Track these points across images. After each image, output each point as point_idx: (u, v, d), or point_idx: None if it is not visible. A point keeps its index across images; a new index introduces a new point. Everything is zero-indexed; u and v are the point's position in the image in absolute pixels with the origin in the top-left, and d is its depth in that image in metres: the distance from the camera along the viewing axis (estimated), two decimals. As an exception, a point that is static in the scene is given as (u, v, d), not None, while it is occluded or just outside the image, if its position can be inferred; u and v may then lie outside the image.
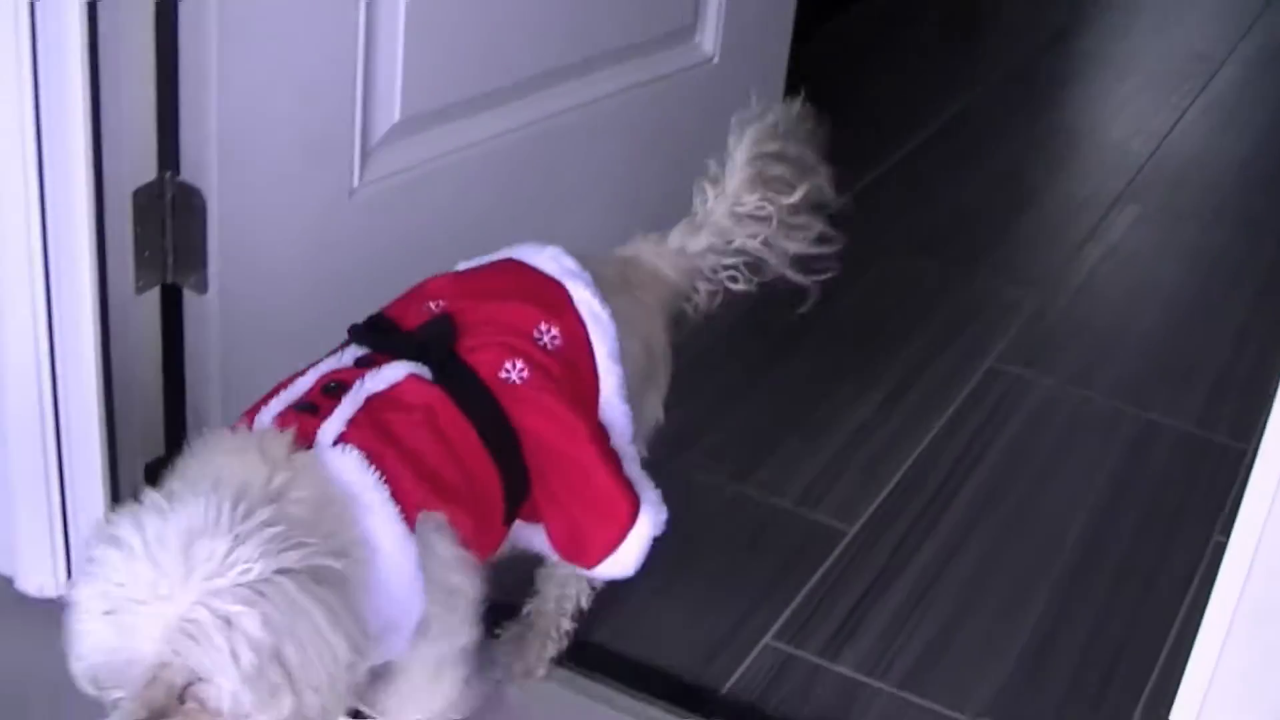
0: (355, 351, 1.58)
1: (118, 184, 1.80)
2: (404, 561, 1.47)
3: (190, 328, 1.95)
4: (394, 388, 1.53)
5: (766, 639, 1.99)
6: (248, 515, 1.34)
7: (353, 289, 2.01)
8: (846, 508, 2.25)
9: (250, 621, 1.31)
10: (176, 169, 1.87)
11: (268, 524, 1.34)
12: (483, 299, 1.63)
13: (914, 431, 2.44)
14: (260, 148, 1.90)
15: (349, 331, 1.61)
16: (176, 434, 1.98)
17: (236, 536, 1.31)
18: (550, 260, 1.68)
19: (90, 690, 1.34)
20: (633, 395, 1.69)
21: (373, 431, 1.48)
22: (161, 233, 1.88)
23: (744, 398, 2.50)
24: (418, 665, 1.61)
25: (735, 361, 2.58)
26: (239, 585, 1.30)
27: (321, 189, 2.00)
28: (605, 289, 1.68)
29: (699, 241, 1.81)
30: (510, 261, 1.70)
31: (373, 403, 1.51)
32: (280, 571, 1.32)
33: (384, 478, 1.46)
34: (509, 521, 1.63)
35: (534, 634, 1.85)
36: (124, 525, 1.32)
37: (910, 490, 2.31)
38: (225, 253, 1.90)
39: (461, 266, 1.72)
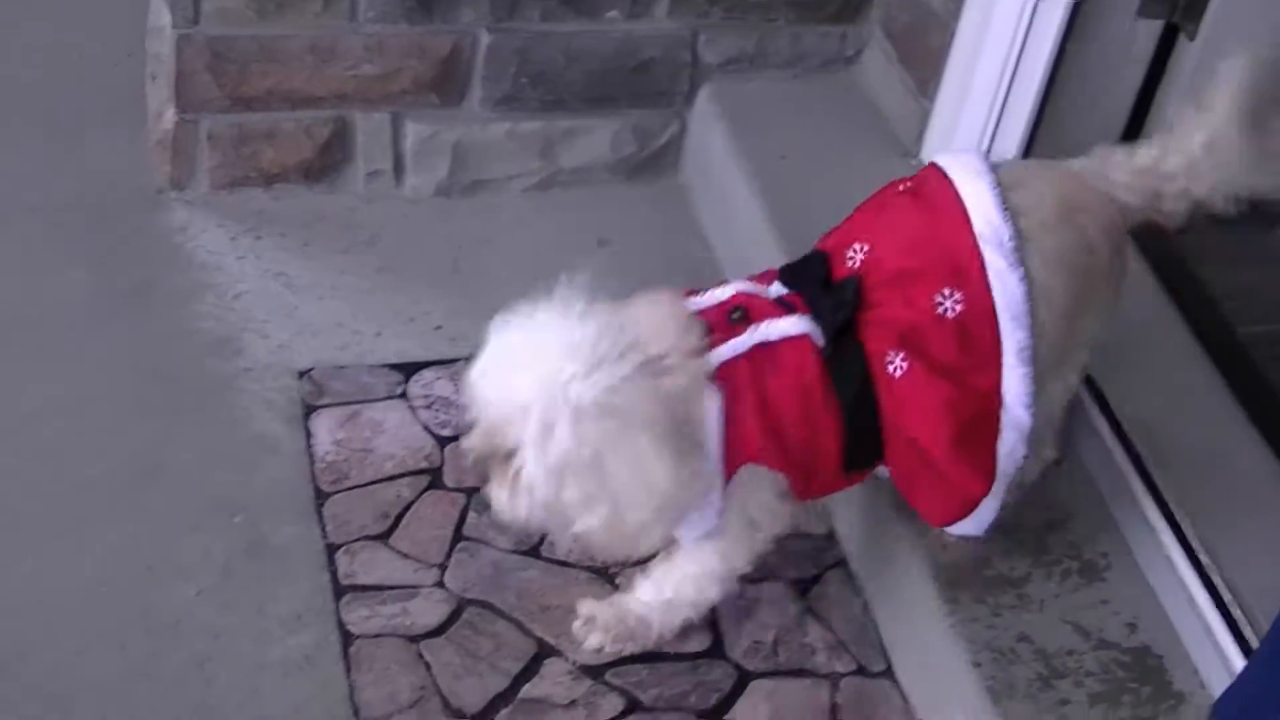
0: (780, 288, 1.76)
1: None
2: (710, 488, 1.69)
3: (1172, 62, 2.41)
4: (784, 341, 1.69)
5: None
6: (631, 349, 1.55)
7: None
8: None
9: (582, 424, 1.50)
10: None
11: (642, 364, 1.56)
12: (898, 254, 1.70)
13: None
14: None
15: (779, 272, 1.79)
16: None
17: (610, 357, 1.53)
18: (973, 194, 1.68)
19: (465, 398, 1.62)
20: (1063, 325, 1.71)
21: (748, 377, 1.66)
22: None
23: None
24: (690, 557, 1.82)
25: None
26: (592, 392, 1.50)
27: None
28: (1033, 224, 1.68)
29: (1171, 162, 1.75)
30: (938, 191, 1.71)
31: (760, 351, 1.68)
32: (629, 394, 1.53)
33: (730, 420, 1.64)
34: (850, 474, 1.78)
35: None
36: (542, 315, 1.57)
37: None
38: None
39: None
